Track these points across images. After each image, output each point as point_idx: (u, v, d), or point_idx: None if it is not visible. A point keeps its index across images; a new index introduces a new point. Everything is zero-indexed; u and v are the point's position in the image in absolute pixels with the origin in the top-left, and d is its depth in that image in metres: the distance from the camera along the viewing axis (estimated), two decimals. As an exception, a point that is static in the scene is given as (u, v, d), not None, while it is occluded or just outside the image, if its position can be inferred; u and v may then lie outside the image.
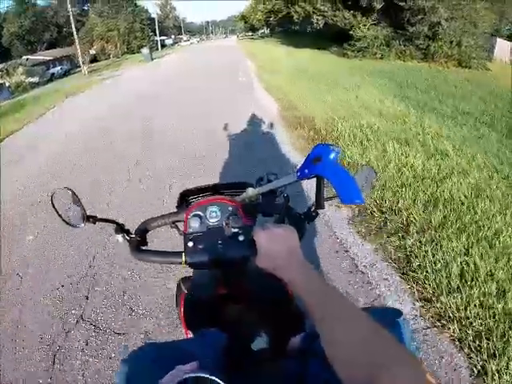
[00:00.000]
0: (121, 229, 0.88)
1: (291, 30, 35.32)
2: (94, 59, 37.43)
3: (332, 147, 0.70)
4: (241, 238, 0.83)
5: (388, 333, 0.49)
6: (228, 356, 0.78)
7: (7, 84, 27.47)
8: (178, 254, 0.82)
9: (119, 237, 0.87)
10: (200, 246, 0.83)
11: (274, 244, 0.68)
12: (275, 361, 0.84)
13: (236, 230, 0.84)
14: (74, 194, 0.80)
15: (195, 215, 0.88)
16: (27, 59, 31.77)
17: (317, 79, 9.33)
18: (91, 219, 0.81)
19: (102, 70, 23.00)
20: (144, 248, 0.90)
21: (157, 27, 45.35)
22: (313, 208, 0.85)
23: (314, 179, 0.77)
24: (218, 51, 20.25)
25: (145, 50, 24.06)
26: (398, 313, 0.73)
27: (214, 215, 0.88)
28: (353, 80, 9.31)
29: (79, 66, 25.07)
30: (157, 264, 1.32)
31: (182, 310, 1.06)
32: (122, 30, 42.19)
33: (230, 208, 0.89)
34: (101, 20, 41.94)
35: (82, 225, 0.81)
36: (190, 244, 0.83)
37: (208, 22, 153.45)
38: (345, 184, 0.66)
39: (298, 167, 0.77)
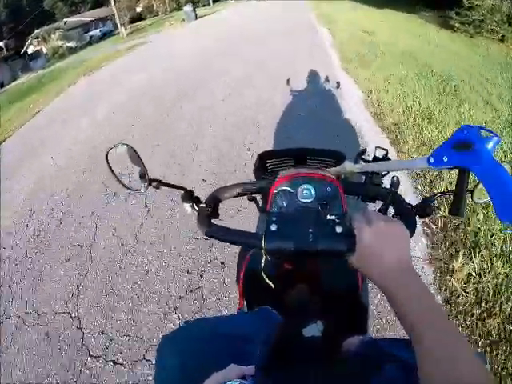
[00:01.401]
0: (190, 196, 0.77)
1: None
2: (139, 17, 34.06)
3: (487, 133, 0.50)
4: (338, 230, 0.62)
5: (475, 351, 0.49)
6: (278, 338, 0.72)
7: (44, 50, 25.25)
8: (256, 236, 0.66)
9: (187, 206, 0.77)
10: (285, 231, 0.64)
11: (382, 245, 0.53)
12: (328, 358, 0.72)
13: (333, 218, 0.63)
14: (134, 151, 0.68)
15: (284, 191, 0.74)
16: (65, 22, 28.61)
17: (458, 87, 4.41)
18: (154, 183, 0.70)
19: (141, 32, 19.40)
20: (215, 222, 0.75)
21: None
22: (432, 202, 0.70)
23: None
24: (282, 10, 15.51)
25: (187, 8, 18.89)
26: None
27: (307, 194, 0.72)
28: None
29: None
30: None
31: (242, 280, 0.96)
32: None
33: (329, 188, 0.73)
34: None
35: (143, 189, 0.70)
36: (274, 227, 0.64)
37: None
38: (505, 193, 0.46)
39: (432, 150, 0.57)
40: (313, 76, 5.09)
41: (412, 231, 0.66)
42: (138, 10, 37.43)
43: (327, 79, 4.71)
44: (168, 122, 4.58)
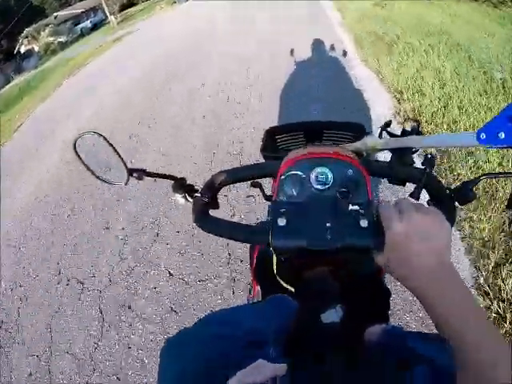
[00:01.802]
0: (181, 185, 0.68)
1: None
2: (130, 3, 32.51)
3: None
4: (363, 223, 0.51)
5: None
6: (296, 325, 0.67)
7: (36, 48, 24.24)
8: (261, 232, 0.57)
9: (179, 197, 0.68)
10: (297, 226, 0.53)
11: (417, 242, 0.45)
12: (349, 346, 0.62)
13: (356, 208, 0.53)
14: (106, 140, 0.58)
15: (294, 175, 0.61)
16: (55, 17, 27.39)
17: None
18: (135, 174, 0.61)
19: (131, 20, 18.09)
20: (214, 215, 0.65)
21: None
22: (475, 185, 0.59)
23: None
24: None
25: None
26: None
27: (322, 179, 0.59)
28: None
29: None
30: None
31: (255, 264, 0.90)
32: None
33: (351, 171, 0.60)
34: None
35: (123, 182, 0.61)
36: (282, 221, 0.53)
37: None
38: None
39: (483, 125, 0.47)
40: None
41: (452, 221, 0.59)
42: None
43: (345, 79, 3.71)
44: (157, 105, 4.48)
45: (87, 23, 25.52)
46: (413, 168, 0.65)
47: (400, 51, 4.16)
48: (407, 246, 0.46)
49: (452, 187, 0.62)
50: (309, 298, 0.72)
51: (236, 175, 0.72)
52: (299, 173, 0.61)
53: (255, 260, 0.90)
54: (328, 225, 0.53)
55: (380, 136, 0.69)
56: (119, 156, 0.60)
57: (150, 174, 0.63)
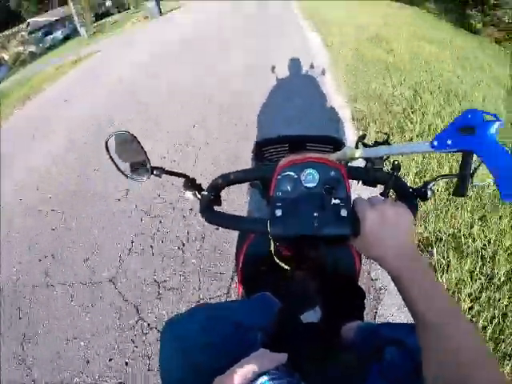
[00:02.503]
0: (191, 184, 0.81)
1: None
2: (106, 13, 32.00)
3: (490, 117, 0.56)
4: (343, 213, 0.66)
5: (492, 354, 0.54)
6: (278, 324, 0.76)
7: (6, 57, 23.42)
8: (261, 222, 0.70)
9: (189, 193, 0.82)
10: (291, 216, 0.68)
11: (385, 228, 0.58)
12: (327, 347, 0.74)
13: (337, 202, 0.68)
14: (135, 138, 0.71)
15: (287, 176, 0.73)
16: (28, 24, 26.65)
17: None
18: (156, 171, 0.75)
19: (103, 33, 17.77)
20: (218, 210, 0.80)
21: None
22: (432, 185, 0.75)
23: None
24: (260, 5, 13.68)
25: (149, 3, 16.98)
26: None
27: (310, 178, 0.72)
28: None
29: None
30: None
31: (240, 266, 0.99)
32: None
33: (333, 172, 0.73)
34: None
35: (145, 178, 0.75)
36: (279, 212, 0.69)
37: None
38: (509, 174, 0.52)
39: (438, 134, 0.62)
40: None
41: (414, 213, 0.68)
42: (109, 3, 35.28)
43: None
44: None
45: (58, 34, 24.77)
46: (383, 172, 0.77)
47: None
48: (378, 230, 0.57)
49: (415, 187, 0.76)
50: (290, 300, 0.80)
51: (237, 177, 0.82)
52: (292, 173, 0.72)
53: (241, 263, 0.98)
54: (315, 215, 0.65)
55: (356, 146, 0.81)
56: (145, 154, 0.70)
57: (167, 172, 0.74)
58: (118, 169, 0.72)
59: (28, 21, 27.60)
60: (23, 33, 24.82)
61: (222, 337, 0.64)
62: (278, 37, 8.02)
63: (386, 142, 0.77)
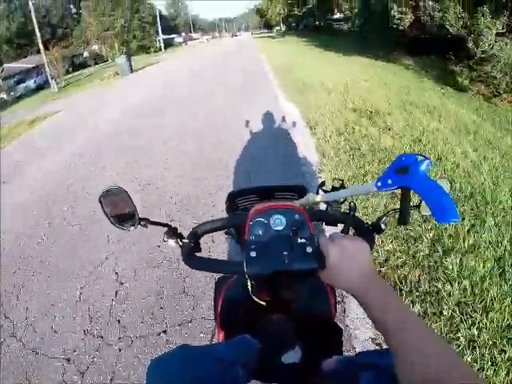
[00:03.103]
0: (173, 233, 0.86)
1: (313, 27, 29.20)
2: (82, 64, 32.86)
3: (421, 158, 0.67)
4: (309, 250, 0.75)
5: (457, 354, 0.54)
6: (259, 365, 0.80)
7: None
8: (238, 263, 0.76)
9: (171, 241, 0.86)
10: (264, 256, 0.75)
11: (346, 260, 0.66)
12: (305, 381, 0.81)
13: (303, 241, 0.77)
14: (126, 194, 0.80)
15: (258, 221, 0.82)
16: (2, 69, 26.88)
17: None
18: (143, 222, 0.81)
19: (73, 87, 18.09)
20: (199, 255, 0.86)
21: (159, 24, 39.94)
22: (385, 220, 0.85)
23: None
24: (231, 57, 14.30)
25: (120, 59, 17.45)
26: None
27: (278, 222, 0.81)
28: None
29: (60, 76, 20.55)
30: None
31: (219, 310, 1.03)
32: (119, 29, 37.09)
33: (297, 216, 0.82)
34: (95, 18, 36.91)
35: (133, 228, 0.81)
36: (253, 253, 0.76)
37: (221, 19, 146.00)
38: (438, 200, 0.64)
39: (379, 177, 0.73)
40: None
41: (371, 245, 0.78)
42: (86, 54, 36.32)
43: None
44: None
45: (30, 83, 25.00)
46: (341, 213, 0.90)
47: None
48: (341, 262, 0.65)
49: (370, 223, 0.87)
50: (270, 342, 0.85)
51: (214, 226, 0.91)
52: (262, 219, 0.81)
53: (219, 308, 1.02)
54: (285, 253, 0.74)
55: (317, 192, 0.92)
56: (134, 207, 0.80)
57: (152, 223, 0.82)
58: (110, 220, 0.79)
59: (3, 66, 27.85)
60: (-5, 78, 24.88)
61: (206, 371, 0.67)
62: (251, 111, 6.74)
63: (342, 187, 0.88)
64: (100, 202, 0.77)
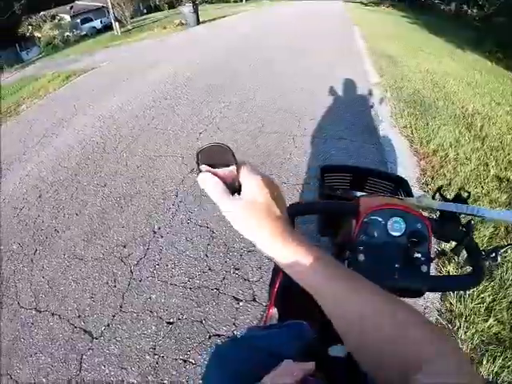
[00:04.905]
0: None
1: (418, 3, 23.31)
2: (157, 7, 30.76)
3: None
4: (424, 269, 0.66)
5: (424, 318, 0.43)
6: (307, 353, 0.76)
7: (41, 38, 22.40)
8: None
9: None
10: (374, 263, 0.67)
11: None
12: (351, 380, 0.73)
13: (419, 256, 0.67)
14: (229, 150, 0.55)
15: (375, 220, 0.71)
16: (71, 7, 25.58)
17: None
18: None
19: (136, 33, 16.19)
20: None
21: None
22: (502, 251, 0.72)
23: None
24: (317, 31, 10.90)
25: (185, 8, 14.85)
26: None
27: (397, 227, 0.70)
28: None
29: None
30: None
31: (276, 290, 0.97)
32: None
33: (420, 225, 0.70)
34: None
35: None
36: (361, 257, 0.68)
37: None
38: None
39: None
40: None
41: (481, 277, 0.70)
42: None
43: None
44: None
45: (97, 23, 23.59)
46: (458, 230, 0.75)
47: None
48: None
49: (486, 250, 0.74)
50: (322, 330, 0.79)
51: (317, 207, 0.85)
52: (380, 219, 0.70)
53: (278, 284, 0.95)
54: (397, 266, 0.66)
55: (433, 197, 0.79)
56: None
57: None
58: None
59: (72, 4, 26.56)
60: (65, 15, 23.77)
61: (261, 367, 0.59)
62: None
63: (465, 201, 0.75)
64: (197, 157, 0.54)
